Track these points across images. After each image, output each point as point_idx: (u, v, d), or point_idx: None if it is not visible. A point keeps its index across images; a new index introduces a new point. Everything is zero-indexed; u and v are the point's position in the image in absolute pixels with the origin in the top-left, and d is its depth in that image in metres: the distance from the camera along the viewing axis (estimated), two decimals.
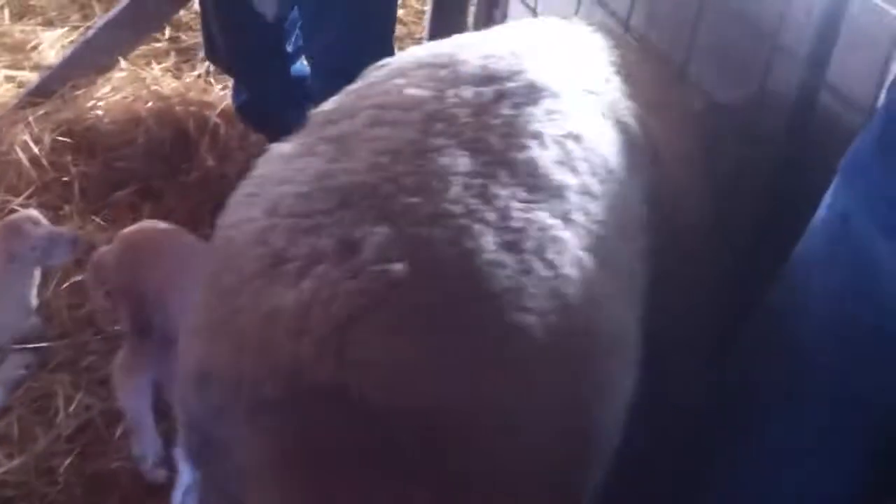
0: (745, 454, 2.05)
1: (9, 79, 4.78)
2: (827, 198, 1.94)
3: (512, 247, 1.73)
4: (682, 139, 2.39)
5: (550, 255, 1.76)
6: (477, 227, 1.73)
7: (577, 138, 2.00)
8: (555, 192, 1.87)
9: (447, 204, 1.75)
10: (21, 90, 4.60)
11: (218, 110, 4.37)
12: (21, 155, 4.03)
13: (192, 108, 4.40)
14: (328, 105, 2.11)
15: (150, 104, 4.42)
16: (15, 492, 2.88)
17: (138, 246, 2.87)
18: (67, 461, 2.97)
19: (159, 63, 4.75)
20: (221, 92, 4.58)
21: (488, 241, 1.72)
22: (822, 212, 1.95)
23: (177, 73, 4.76)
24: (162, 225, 3.03)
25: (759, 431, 2.03)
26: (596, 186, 1.95)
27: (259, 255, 1.72)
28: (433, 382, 1.62)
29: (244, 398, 1.64)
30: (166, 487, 2.93)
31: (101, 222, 3.86)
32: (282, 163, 1.92)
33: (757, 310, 2.11)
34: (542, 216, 1.81)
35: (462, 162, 1.83)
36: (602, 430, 1.83)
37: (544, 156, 1.92)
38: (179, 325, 2.62)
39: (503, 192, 1.80)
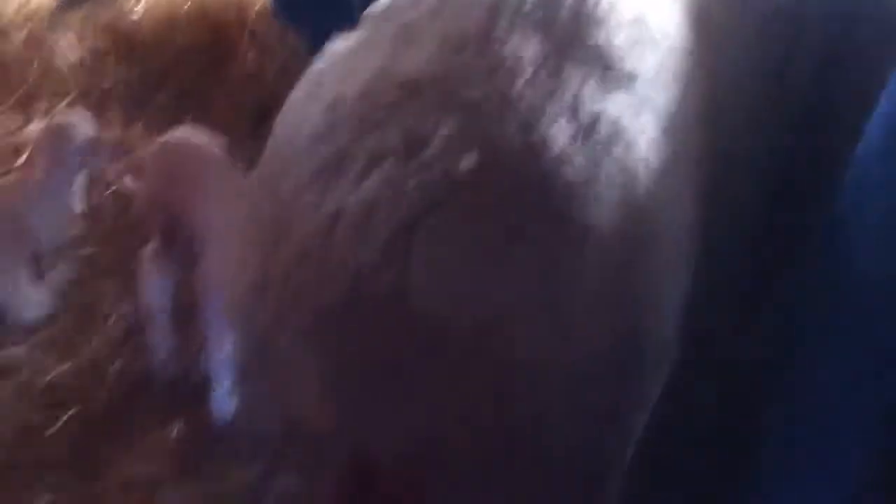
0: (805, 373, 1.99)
1: None
2: (891, 86, 1.83)
3: (583, 139, 1.63)
4: (737, 20, 2.25)
5: (621, 150, 1.66)
6: (547, 119, 1.62)
7: (644, 23, 1.86)
8: (626, 83, 1.75)
9: (516, 93, 1.63)
10: None
11: (257, 7, 4.29)
12: (61, 60, 4.01)
13: (231, 7, 4.32)
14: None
15: (188, 4, 4.35)
16: (66, 395, 2.94)
17: (170, 158, 2.84)
18: (116, 364, 3.01)
19: None
20: None
21: (559, 133, 1.61)
22: (883, 105, 1.84)
23: None
24: (195, 139, 2.99)
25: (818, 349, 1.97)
26: (664, 76, 1.83)
27: (320, 155, 1.63)
28: (497, 288, 1.55)
29: (303, 306, 1.58)
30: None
31: (143, 126, 3.85)
32: (342, 58, 1.81)
33: (811, 214, 2.02)
34: (614, 108, 1.70)
35: (532, 49, 1.69)
36: (658, 339, 1.75)
37: (615, 42, 1.78)
38: (204, 241, 2.63)
39: (574, 81, 1.68)
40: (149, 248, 2.97)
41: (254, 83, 4.09)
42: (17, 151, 3.69)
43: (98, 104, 3.93)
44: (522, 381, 1.58)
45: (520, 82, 1.65)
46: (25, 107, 3.91)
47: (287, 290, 1.60)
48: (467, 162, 1.55)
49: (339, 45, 1.87)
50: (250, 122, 3.94)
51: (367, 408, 1.61)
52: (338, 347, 1.58)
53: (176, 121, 3.90)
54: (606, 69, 1.73)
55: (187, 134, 3.09)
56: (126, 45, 4.19)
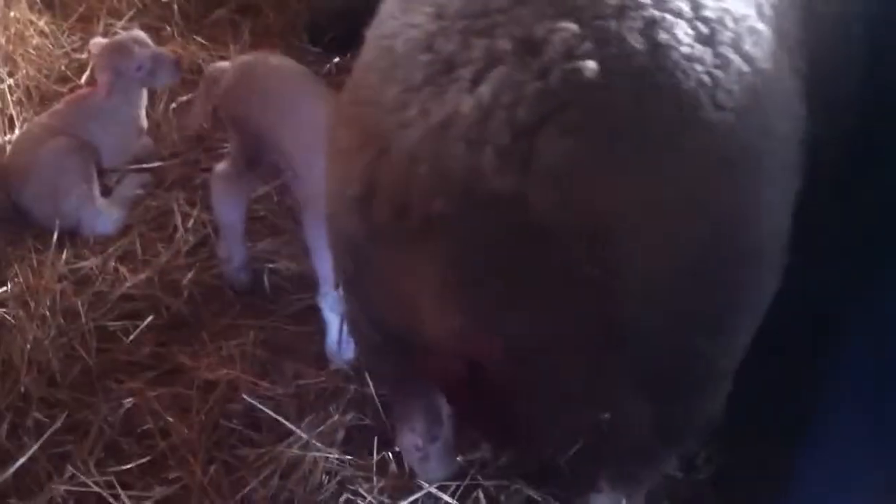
0: None
1: None
2: None
3: (707, 39, 1.59)
4: None
5: (748, 48, 1.62)
6: (669, 18, 1.58)
7: None
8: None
9: None
10: None
11: None
12: None
13: None
14: None
15: None
16: (142, 304, 3.00)
17: (254, 78, 2.80)
18: (189, 275, 3.06)
19: None
20: None
21: (683, 34, 1.57)
22: None
23: None
24: (280, 59, 2.94)
25: None
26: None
27: (427, 62, 1.59)
28: (615, 192, 1.52)
29: (413, 214, 1.56)
30: (288, 301, 3.04)
31: (203, 41, 3.86)
32: None
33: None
34: (737, 5, 1.65)
35: None
36: (770, 239, 1.73)
37: None
38: (292, 160, 2.62)
39: None
40: (221, 166, 2.96)
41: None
42: (80, 70, 3.74)
43: (157, 20, 3.94)
44: (629, 283, 1.56)
45: None
46: (85, 26, 3.94)
47: (396, 196, 1.58)
48: (590, 65, 1.51)
49: None
50: (307, 35, 3.94)
51: (482, 307, 1.60)
52: (453, 250, 1.57)
53: (235, 34, 3.93)
54: None
55: (268, 56, 3.03)
56: None
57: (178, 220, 3.23)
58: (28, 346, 2.79)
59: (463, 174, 1.51)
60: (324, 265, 2.58)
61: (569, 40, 1.53)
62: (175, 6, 4.00)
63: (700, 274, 1.61)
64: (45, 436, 2.58)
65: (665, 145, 1.54)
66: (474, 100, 1.52)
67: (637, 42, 1.54)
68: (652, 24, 1.56)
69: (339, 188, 1.72)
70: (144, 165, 3.42)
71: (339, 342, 2.76)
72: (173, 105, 3.60)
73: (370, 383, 2.70)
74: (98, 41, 3.35)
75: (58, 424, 2.62)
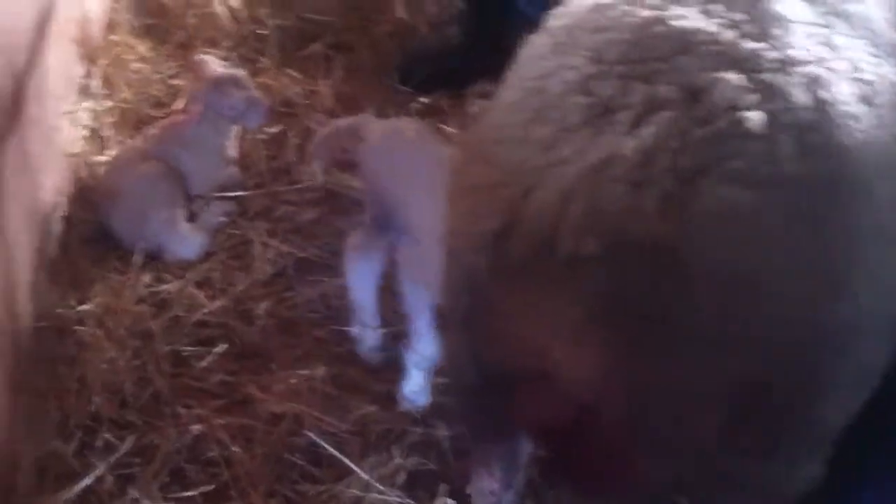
0: None
1: None
2: None
3: (866, 99, 1.61)
4: None
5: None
6: (829, 75, 1.59)
7: None
8: (893, 51, 1.74)
9: (793, 50, 1.61)
10: None
11: None
12: (219, 8, 4.12)
13: None
14: None
15: None
16: (216, 331, 3.04)
17: (392, 147, 2.79)
18: (263, 305, 3.09)
19: None
20: None
21: (844, 92, 1.59)
22: None
23: None
24: (416, 128, 2.91)
25: None
26: None
27: (584, 104, 1.61)
28: (775, 244, 1.52)
29: (559, 252, 1.55)
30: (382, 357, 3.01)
31: (295, 74, 3.92)
32: (591, 11, 1.79)
33: None
34: (890, 72, 1.68)
35: (799, 10, 1.69)
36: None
37: (875, 11, 1.78)
38: (420, 228, 2.58)
39: (847, 44, 1.67)
40: (353, 238, 2.93)
41: (404, 34, 4.13)
42: (175, 96, 3.82)
43: (252, 52, 4.02)
44: (782, 338, 1.56)
45: (794, 41, 1.63)
46: (184, 53, 4.03)
47: (542, 232, 1.57)
48: (755, 116, 1.53)
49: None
50: (398, 75, 3.98)
51: (624, 352, 1.58)
52: (600, 291, 1.55)
53: (328, 69, 3.99)
54: (874, 36, 1.72)
55: (406, 125, 2.99)
56: None
57: (257, 251, 3.26)
58: (103, 366, 2.84)
59: (619, 216, 1.51)
60: (420, 322, 2.59)
61: (733, 91, 1.55)
62: (271, 39, 4.07)
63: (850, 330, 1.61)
64: (114, 458, 2.62)
65: (825, 203, 1.54)
66: (636, 142, 1.53)
67: (801, 97, 1.56)
68: (815, 81, 1.58)
69: (468, 224, 1.71)
70: (229, 194, 3.47)
71: (418, 392, 2.75)
72: (262, 136, 3.65)
73: (439, 426, 2.70)
74: (204, 59, 3.43)
75: (126, 447, 2.66)
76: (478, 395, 1.96)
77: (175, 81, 3.89)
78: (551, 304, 1.61)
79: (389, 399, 2.84)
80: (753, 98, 1.55)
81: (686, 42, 1.63)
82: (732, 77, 1.56)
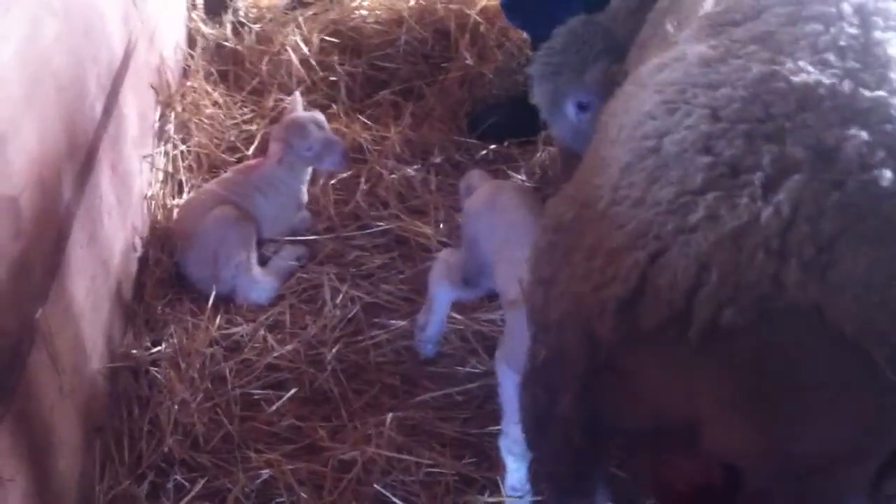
0: None
1: None
2: None
3: None
4: None
5: None
6: None
7: None
8: None
9: None
10: None
11: (478, 8, 4.36)
12: (292, 55, 4.19)
13: (453, 7, 4.40)
14: (713, 6, 1.97)
15: (412, 3, 4.47)
16: (287, 375, 3.05)
17: (491, 204, 2.80)
18: (333, 350, 3.10)
19: None
20: None
21: None
22: None
23: None
24: (519, 188, 2.95)
25: None
26: None
27: (707, 165, 1.59)
28: None
29: (695, 320, 1.53)
30: (429, 384, 3.04)
31: (366, 121, 3.96)
32: (700, 65, 1.77)
33: None
34: None
35: None
36: None
37: None
38: (504, 288, 2.59)
39: None
40: (449, 253, 2.99)
41: (472, 81, 4.15)
42: (248, 141, 3.89)
43: (324, 98, 4.08)
44: None
45: None
46: (257, 99, 4.10)
47: (676, 301, 1.55)
48: (887, 174, 1.52)
49: (688, 54, 1.83)
50: (466, 123, 4.00)
51: (771, 420, 1.57)
52: (743, 361, 1.54)
53: (397, 115, 4.03)
54: None
55: (510, 185, 3.03)
56: (352, 42, 4.33)
57: (328, 295, 3.28)
58: (176, 407, 2.86)
59: (760, 285, 1.50)
60: (510, 403, 2.53)
61: (861, 148, 1.54)
62: (342, 85, 4.13)
63: None
64: (185, 501, 2.63)
65: None
66: (773, 209, 1.52)
67: None
68: None
69: (588, 289, 1.67)
70: (301, 238, 3.50)
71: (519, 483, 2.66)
72: (333, 181, 3.69)
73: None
74: (297, 98, 3.50)
75: (197, 489, 2.67)
76: (575, 458, 1.92)
77: (248, 127, 3.96)
78: (690, 375, 1.59)
79: (458, 445, 2.83)
80: (882, 155, 1.53)
81: (807, 97, 1.61)
82: (861, 134, 1.55)
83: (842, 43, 1.70)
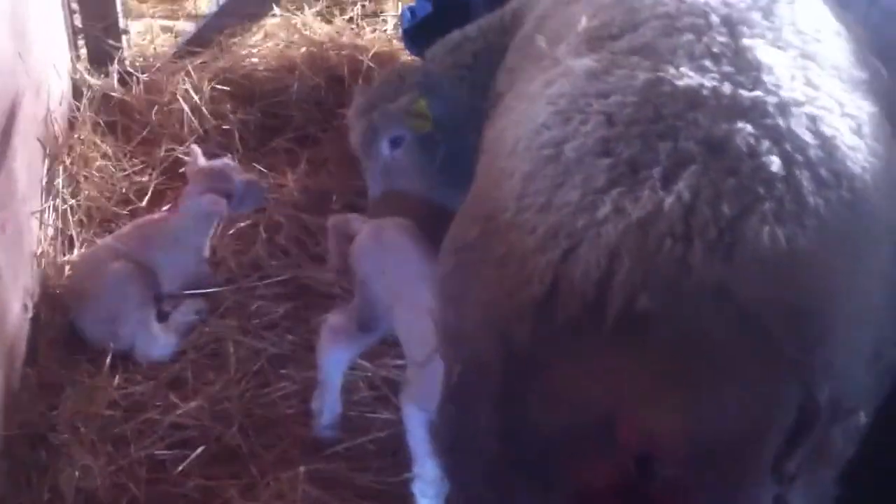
0: None
1: (165, 29, 4.89)
2: None
3: (857, 132, 1.78)
4: None
5: (882, 141, 1.82)
6: (823, 113, 1.76)
7: (837, 34, 2.07)
8: (860, 85, 1.93)
9: (786, 93, 1.77)
10: (178, 40, 4.69)
11: (371, 53, 4.35)
12: (183, 104, 4.10)
13: (345, 52, 4.40)
14: (588, 23, 2.09)
15: (303, 50, 4.44)
16: (192, 433, 2.96)
17: (384, 245, 2.82)
18: (240, 405, 3.02)
19: (310, 7, 4.76)
20: (372, 34, 4.57)
21: (840, 127, 1.75)
22: None
23: (328, 17, 4.77)
24: (402, 227, 2.91)
25: None
26: (874, 84, 2.01)
27: (608, 165, 1.69)
28: (813, 271, 1.63)
29: (610, 310, 1.59)
30: (339, 433, 2.98)
31: (263, 169, 3.90)
32: (587, 78, 1.88)
33: None
34: (866, 105, 1.87)
35: (775, 56, 1.87)
36: None
37: (834, 49, 1.99)
38: (403, 328, 2.63)
39: (823, 82, 1.84)
40: (334, 318, 2.96)
41: None
42: (140, 193, 3.79)
43: (217, 147, 4.00)
44: (829, 362, 1.64)
45: (785, 87, 1.79)
46: (148, 150, 4.00)
47: (589, 292, 1.61)
48: (775, 160, 1.66)
49: (574, 64, 1.94)
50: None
51: (693, 401, 1.63)
52: (660, 345, 1.60)
53: (293, 163, 3.98)
54: (840, 73, 1.91)
55: (398, 224, 2.93)
56: (244, 89, 4.27)
57: (231, 348, 3.20)
58: (77, 473, 2.74)
59: (670, 269, 1.58)
60: (420, 444, 2.54)
61: (748, 139, 1.68)
62: (235, 133, 4.06)
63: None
64: None
65: (846, 225, 1.67)
66: (675, 197, 1.61)
67: (806, 136, 1.72)
68: (814, 120, 1.74)
69: (503, 295, 1.72)
70: (201, 291, 3.42)
71: None
72: (231, 231, 3.62)
73: None
74: (196, 150, 3.45)
75: None
76: (500, 474, 1.91)
77: (139, 178, 3.86)
78: (607, 366, 1.64)
79: (375, 496, 2.79)
80: (766, 143, 1.68)
81: (693, 99, 1.75)
82: (747, 127, 1.69)
83: (715, 50, 1.86)
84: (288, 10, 4.72)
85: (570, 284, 1.62)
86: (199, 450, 2.89)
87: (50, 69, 3.79)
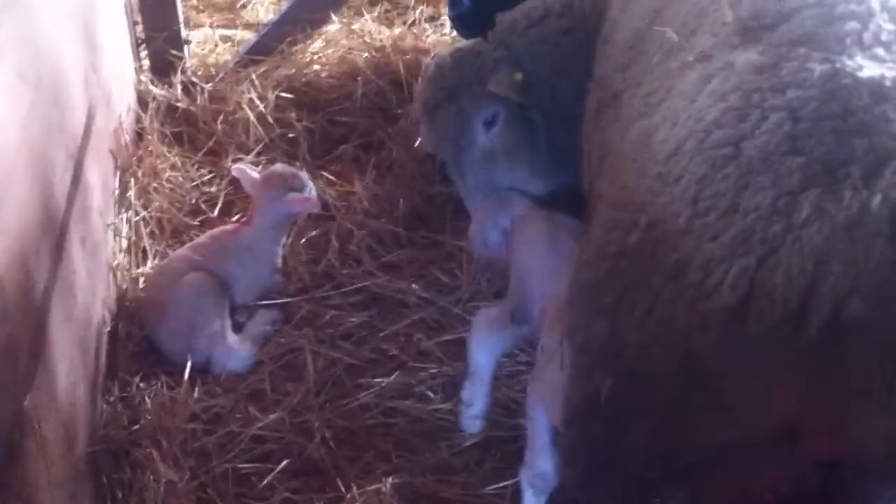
0: None
1: (224, 38, 4.88)
2: None
3: None
4: None
5: None
6: None
7: None
8: None
9: None
10: (239, 49, 4.67)
11: (432, 55, 4.29)
12: (249, 113, 4.08)
13: (407, 57, 4.35)
14: (734, 13, 2.01)
15: (365, 55, 4.40)
16: (273, 446, 2.92)
17: (525, 234, 2.80)
18: (320, 416, 2.98)
19: (370, 13, 4.73)
20: (434, 37, 4.52)
21: None
22: None
23: (388, 21, 4.73)
24: (554, 217, 2.85)
25: None
26: None
27: (801, 164, 1.62)
28: None
29: (819, 315, 1.53)
30: (422, 444, 2.94)
31: (330, 176, 3.86)
32: (755, 73, 1.81)
33: None
34: None
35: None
36: None
37: None
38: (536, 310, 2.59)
39: None
40: (489, 308, 2.92)
41: None
42: (210, 202, 3.77)
43: (284, 155, 3.97)
44: None
45: None
46: (214, 160, 3.98)
47: (792, 298, 1.56)
48: None
49: (739, 62, 1.85)
50: (428, 168, 3.92)
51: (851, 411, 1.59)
52: (872, 351, 1.55)
53: (360, 169, 3.94)
54: None
55: (546, 216, 2.91)
56: (308, 97, 4.25)
57: (309, 359, 3.16)
58: (162, 489, 2.71)
59: (882, 273, 1.52)
60: (542, 438, 2.49)
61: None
62: (301, 141, 4.03)
63: None
64: None
65: None
66: (881, 196, 1.55)
67: None
68: None
69: (685, 304, 1.66)
70: (274, 301, 3.38)
71: None
72: (302, 241, 3.58)
73: None
74: (241, 167, 3.39)
75: None
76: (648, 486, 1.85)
77: (208, 189, 3.84)
78: (803, 374, 1.57)
79: None
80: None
81: (878, 90, 1.67)
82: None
83: (884, 38, 1.78)
84: (346, 17, 4.68)
85: (769, 292, 1.56)
86: (283, 463, 2.84)
87: (118, 81, 3.78)
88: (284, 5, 4.66)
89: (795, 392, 1.60)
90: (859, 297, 1.51)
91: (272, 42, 4.53)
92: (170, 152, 3.94)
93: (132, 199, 3.62)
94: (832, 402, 1.59)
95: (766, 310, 1.57)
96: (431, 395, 3.06)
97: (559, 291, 2.48)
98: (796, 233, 1.56)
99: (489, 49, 3.09)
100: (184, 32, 4.45)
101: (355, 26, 4.60)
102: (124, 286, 3.31)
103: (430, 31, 4.57)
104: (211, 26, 4.93)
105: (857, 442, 1.59)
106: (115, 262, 3.31)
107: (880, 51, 1.76)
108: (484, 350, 2.86)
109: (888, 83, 1.68)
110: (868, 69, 1.71)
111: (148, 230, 3.57)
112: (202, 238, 3.36)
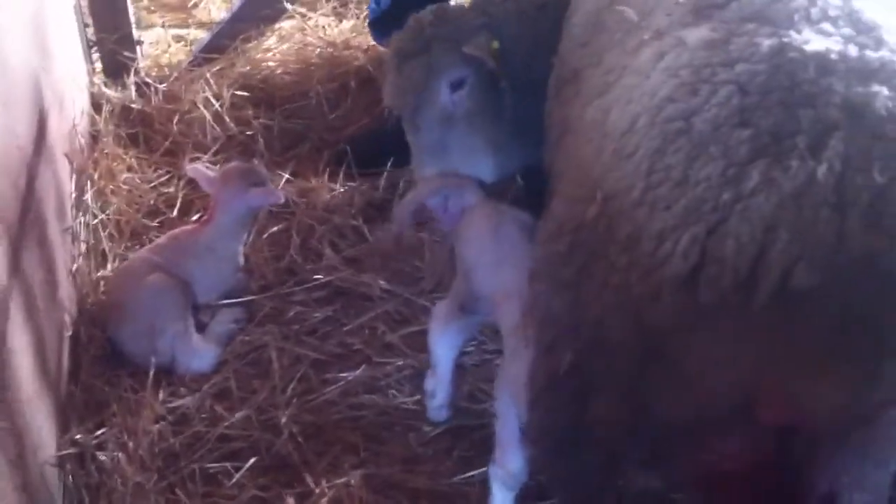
0: None
1: (177, 38, 4.84)
2: None
3: None
4: None
5: None
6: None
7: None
8: None
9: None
10: (192, 48, 4.64)
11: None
12: (204, 112, 4.06)
13: (362, 51, 4.36)
14: None
15: (319, 50, 4.40)
16: (241, 444, 2.92)
17: (473, 225, 2.78)
18: (287, 412, 2.98)
19: (321, 9, 4.72)
20: None
21: None
22: None
23: (339, 15, 4.72)
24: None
25: None
26: None
27: (749, 136, 1.65)
28: None
29: (763, 283, 1.56)
30: (390, 436, 2.96)
31: (289, 176, 3.84)
32: (707, 48, 1.83)
33: None
34: None
35: (886, 17, 1.83)
36: None
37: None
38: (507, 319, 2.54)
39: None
40: (440, 305, 2.93)
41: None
42: (168, 203, 3.74)
43: (242, 154, 3.95)
44: None
45: None
46: (172, 160, 3.95)
47: (742, 266, 1.58)
48: None
49: (689, 39, 1.87)
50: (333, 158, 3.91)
51: (854, 373, 1.61)
52: (821, 318, 1.57)
53: (318, 166, 3.93)
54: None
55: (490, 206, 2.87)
56: (264, 94, 4.23)
57: (274, 356, 3.16)
58: (129, 491, 2.70)
59: (828, 240, 1.54)
60: (511, 434, 2.47)
61: (887, 102, 1.64)
62: (259, 139, 4.02)
63: None
64: None
65: None
66: (826, 165, 1.58)
67: None
68: None
69: (638, 276, 1.69)
70: (237, 300, 3.37)
71: None
72: (264, 236, 3.57)
73: None
74: (196, 167, 3.36)
75: None
76: (614, 459, 1.87)
77: (166, 189, 3.81)
78: (756, 341, 1.60)
79: (431, 497, 2.75)
80: None
81: (823, 63, 1.70)
82: (882, 90, 1.65)
83: (831, 13, 1.81)
84: (299, 11, 4.65)
85: (720, 260, 1.58)
86: (252, 461, 2.84)
87: (70, 83, 3.74)
88: (236, 3, 4.62)
89: (749, 361, 1.63)
90: (806, 264, 1.54)
91: (225, 40, 4.50)
92: (126, 154, 3.92)
93: (89, 202, 3.58)
94: (784, 371, 1.62)
95: (717, 278, 1.59)
96: (397, 387, 3.07)
97: (506, 283, 2.51)
98: (745, 202, 1.59)
99: (471, 15, 3.05)
100: (136, 33, 4.41)
101: (310, 22, 4.58)
102: (84, 290, 3.28)
103: None
104: (163, 26, 4.89)
105: (809, 409, 1.62)
106: (75, 267, 3.28)
107: (827, 25, 1.79)
108: (441, 342, 2.88)
109: (834, 56, 1.71)
110: (814, 43, 1.74)
111: (106, 233, 3.54)
112: (162, 239, 3.34)
